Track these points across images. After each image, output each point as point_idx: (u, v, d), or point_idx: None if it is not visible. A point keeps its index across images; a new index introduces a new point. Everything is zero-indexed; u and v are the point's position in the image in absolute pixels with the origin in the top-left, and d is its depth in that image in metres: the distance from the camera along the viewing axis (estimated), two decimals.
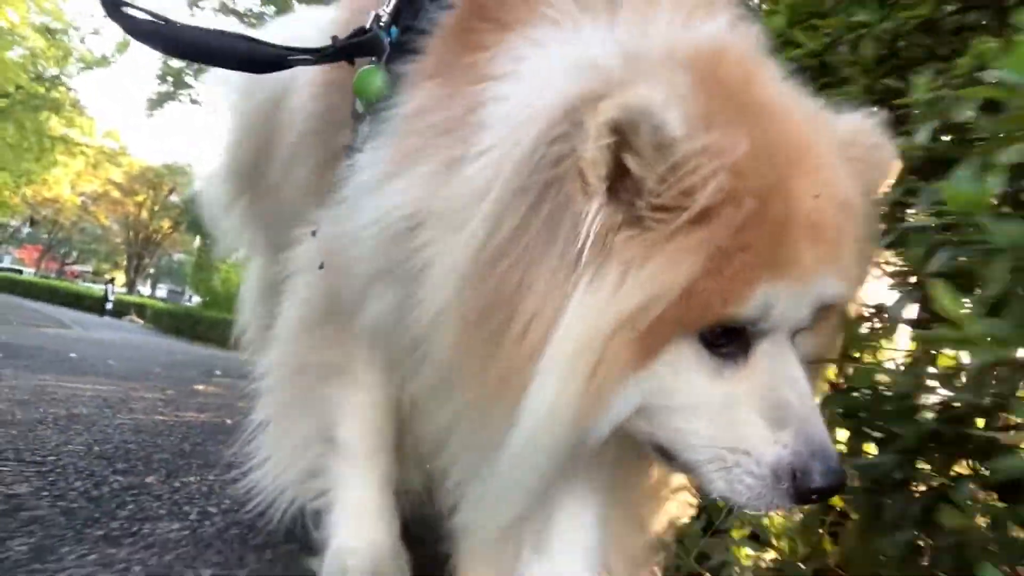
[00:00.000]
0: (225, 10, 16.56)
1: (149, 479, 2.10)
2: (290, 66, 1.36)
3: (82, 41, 21.03)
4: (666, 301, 0.81)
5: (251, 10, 16.05)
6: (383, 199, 1.01)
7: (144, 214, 46.34)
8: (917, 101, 1.12)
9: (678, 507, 1.27)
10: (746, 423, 0.86)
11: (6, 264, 55.32)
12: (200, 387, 5.01)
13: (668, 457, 0.94)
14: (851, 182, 0.94)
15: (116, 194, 44.69)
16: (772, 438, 0.85)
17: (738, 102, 0.87)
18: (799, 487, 0.83)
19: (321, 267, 1.30)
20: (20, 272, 49.49)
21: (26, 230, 53.83)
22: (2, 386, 3.56)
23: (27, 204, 39.00)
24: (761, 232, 0.83)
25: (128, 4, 1.40)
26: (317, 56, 1.32)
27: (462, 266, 0.86)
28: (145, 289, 52.75)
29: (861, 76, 1.45)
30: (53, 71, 20.75)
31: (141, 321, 24.73)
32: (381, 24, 1.29)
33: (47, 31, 19.69)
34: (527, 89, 0.91)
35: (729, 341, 0.87)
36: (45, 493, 1.78)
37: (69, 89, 22.23)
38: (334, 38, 1.33)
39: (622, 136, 0.81)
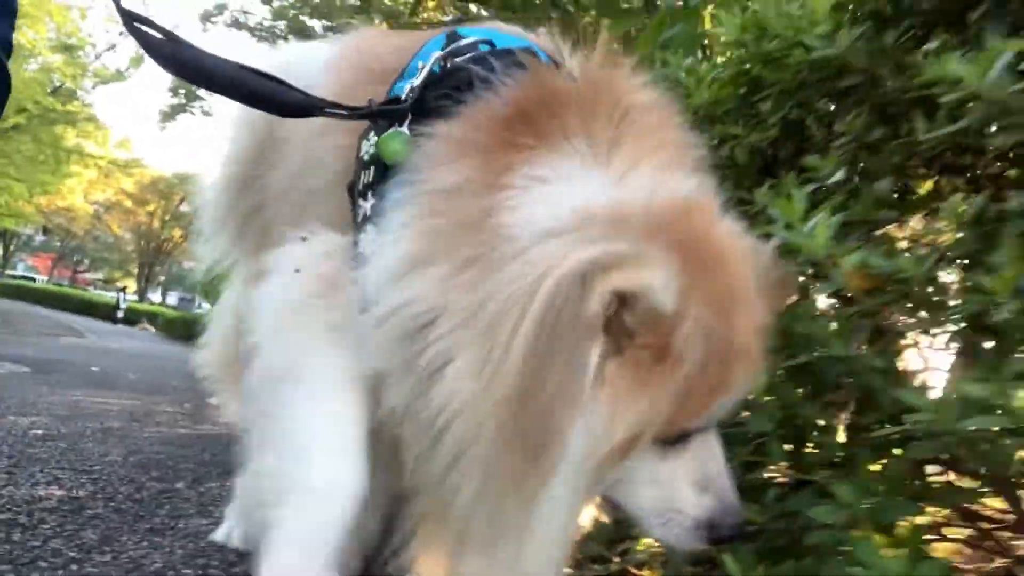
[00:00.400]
0: (237, 25, 16.73)
1: (179, 485, 2.54)
2: (321, 115, 1.35)
3: (98, 57, 21.45)
4: (649, 432, 1.03)
5: (262, 25, 16.23)
6: (403, 293, 1.12)
7: (155, 223, 47.02)
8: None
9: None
10: (680, 491, 1.12)
11: (20, 272, 56.13)
12: (215, 400, 5.46)
13: (617, 509, 1.19)
14: (766, 309, 1.15)
15: (128, 203, 45.40)
16: (697, 501, 1.12)
17: (705, 258, 1.06)
18: (713, 535, 1.12)
19: (297, 271, 1.34)
20: (33, 280, 50.26)
21: (39, 239, 54.68)
22: (43, 403, 4.03)
23: (41, 213, 39.49)
24: (716, 366, 1.03)
25: (144, 21, 1.40)
26: (350, 112, 1.33)
27: (493, 381, 1.00)
28: (156, 297, 53.31)
29: (732, 177, 1.88)
30: (69, 86, 21.22)
31: (153, 329, 25.15)
32: (412, 96, 1.31)
33: (64, 48, 20.24)
34: (544, 217, 1.06)
35: (679, 436, 1.10)
36: (99, 496, 2.23)
37: (85, 104, 22.71)
38: (370, 101, 1.33)
39: (624, 301, 0.99)
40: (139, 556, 1.71)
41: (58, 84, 20.57)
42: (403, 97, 1.31)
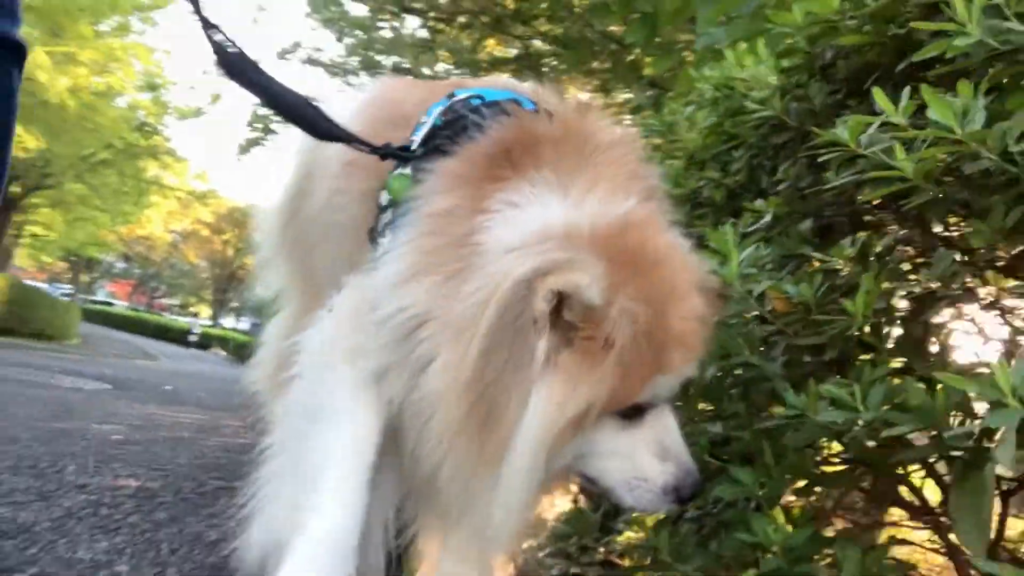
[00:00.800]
0: (311, 61, 17.40)
1: (236, 483, 2.89)
2: (347, 143, 1.57)
3: (179, 96, 22.62)
4: (597, 405, 1.19)
5: (334, 61, 16.77)
6: (400, 300, 1.30)
7: (230, 251, 48.79)
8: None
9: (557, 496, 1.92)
10: (642, 460, 1.28)
11: (100, 297, 58.80)
12: (265, 414, 5.88)
13: (591, 483, 1.35)
14: (704, 304, 1.32)
15: (204, 232, 47.36)
16: (660, 468, 1.28)
17: (637, 262, 1.25)
18: (679, 497, 1.29)
19: (329, 311, 1.51)
20: (112, 305, 52.61)
21: (120, 266, 57.30)
22: (122, 415, 4.48)
23: (122, 241, 41.37)
24: (651, 350, 1.21)
25: (216, 27, 1.61)
26: (371, 149, 1.54)
27: (459, 372, 1.19)
28: (229, 322, 55.09)
29: (712, 214, 2.16)
30: (152, 122, 22.39)
31: (224, 353, 26.09)
32: (415, 146, 1.54)
33: (149, 87, 21.44)
34: (508, 236, 1.26)
35: (632, 411, 1.26)
36: (168, 488, 2.60)
37: (165, 138, 23.93)
38: (387, 144, 1.55)
39: (561, 299, 1.18)
40: (199, 531, 2.06)
41: (142, 121, 21.72)
42: (412, 148, 1.55)
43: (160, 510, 2.24)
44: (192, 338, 31.01)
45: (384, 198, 1.54)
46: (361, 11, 13.24)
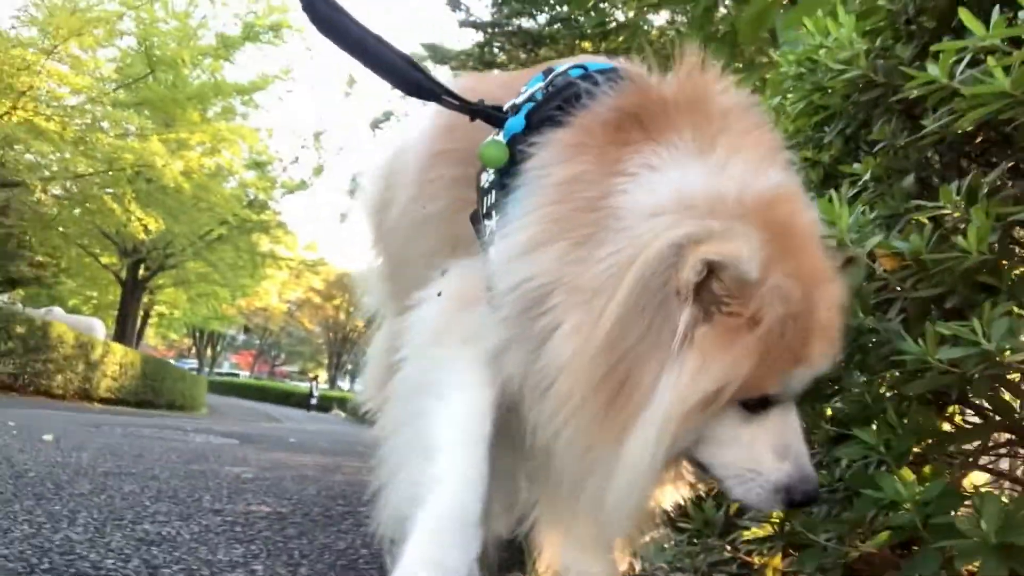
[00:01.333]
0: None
1: (361, 508, 2.98)
2: (437, 100, 1.54)
3: (284, 170, 23.89)
4: (731, 388, 1.11)
5: None
6: (526, 268, 1.24)
7: (342, 316, 50.57)
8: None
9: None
10: (761, 454, 1.20)
11: (225, 369, 61.80)
12: (374, 428, 6.02)
13: (703, 469, 1.27)
14: (843, 289, 1.25)
15: (317, 299, 49.37)
16: (777, 466, 1.20)
17: (788, 239, 1.17)
18: (790, 499, 1.20)
19: (439, 295, 1.50)
20: (237, 375, 55.22)
21: (241, 338, 60.14)
22: (251, 459, 4.67)
23: (241, 314, 43.45)
24: (795, 337, 1.13)
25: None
26: (460, 105, 1.52)
27: (591, 337, 1.13)
28: (345, 384, 56.75)
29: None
30: (261, 197, 23.68)
31: (343, 413, 26.85)
32: (513, 109, 1.49)
33: (256, 165, 22.74)
34: (650, 200, 1.19)
35: (760, 403, 1.18)
36: (297, 512, 2.70)
37: (275, 212, 25.21)
38: (481, 101, 1.53)
39: (712, 271, 1.10)
40: (328, 542, 2.13)
41: (252, 197, 23.00)
42: (504, 109, 1.51)
43: (290, 528, 2.33)
44: (313, 401, 32.04)
45: (485, 179, 1.48)
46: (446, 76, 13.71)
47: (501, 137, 1.46)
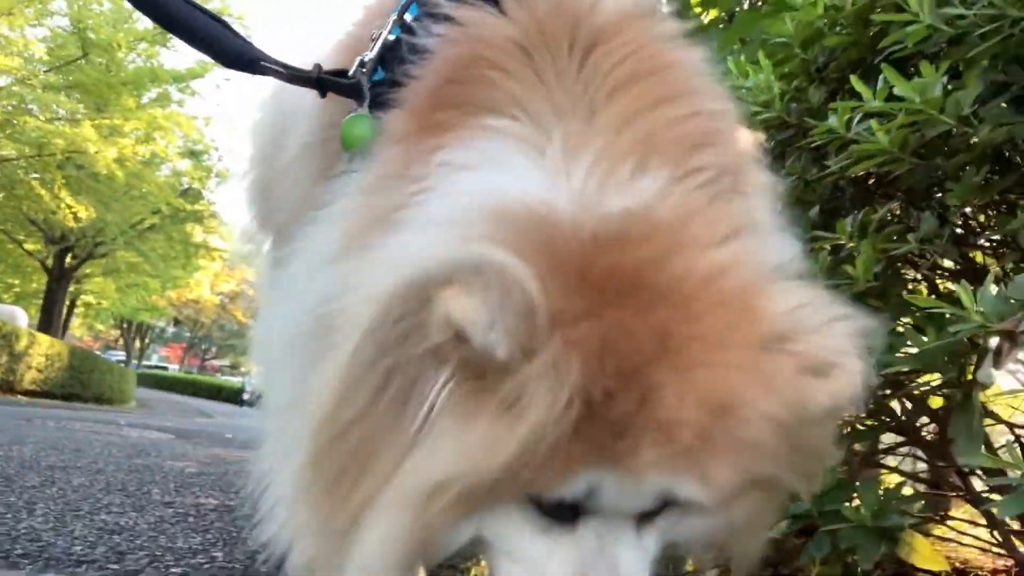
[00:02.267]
0: None
1: None
2: (261, 72, 1.26)
3: (220, 160, 23.50)
4: (481, 477, 0.78)
5: None
6: (317, 287, 0.97)
7: None
8: None
9: None
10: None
11: (154, 362, 60.32)
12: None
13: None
14: (757, 388, 0.79)
15: (251, 292, 48.39)
16: None
17: (625, 286, 0.79)
18: None
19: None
20: (166, 368, 54.02)
21: (171, 330, 58.78)
22: (191, 455, 4.73)
23: (171, 306, 42.47)
24: (598, 425, 0.78)
25: None
26: (288, 72, 1.21)
27: (322, 398, 0.83)
28: None
29: None
30: (195, 187, 23.25)
31: None
32: (364, 70, 1.15)
33: (191, 154, 22.33)
34: (437, 211, 0.87)
35: (559, 508, 0.84)
36: (246, 506, 2.80)
37: (211, 203, 24.78)
38: (317, 65, 1.21)
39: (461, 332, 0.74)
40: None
41: (186, 186, 22.56)
42: (351, 72, 1.16)
43: (242, 520, 2.44)
44: (245, 396, 31.57)
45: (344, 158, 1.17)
46: None
47: (365, 108, 1.15)
